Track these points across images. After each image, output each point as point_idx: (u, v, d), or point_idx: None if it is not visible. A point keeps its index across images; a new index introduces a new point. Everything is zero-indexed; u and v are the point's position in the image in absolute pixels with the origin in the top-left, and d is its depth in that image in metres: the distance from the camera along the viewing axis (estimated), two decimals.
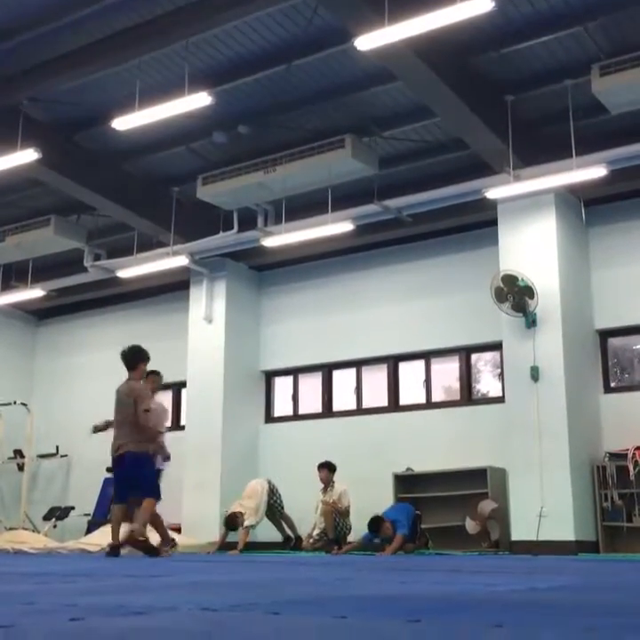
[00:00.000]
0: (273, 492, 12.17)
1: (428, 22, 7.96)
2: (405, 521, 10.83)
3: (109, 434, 10.03)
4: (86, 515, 14.76)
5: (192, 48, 9.86)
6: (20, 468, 15.99)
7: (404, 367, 13.40)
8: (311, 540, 11.84)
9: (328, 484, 11.89)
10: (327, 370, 14.02)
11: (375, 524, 10.82)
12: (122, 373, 16.16)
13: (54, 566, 6.61)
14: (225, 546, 11.89)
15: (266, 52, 10.05)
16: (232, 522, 11.78)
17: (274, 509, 12.19)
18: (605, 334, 11.74)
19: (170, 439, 14.95)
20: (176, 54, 10.04)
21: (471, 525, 10.96)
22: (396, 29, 8.13)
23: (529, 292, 10.88)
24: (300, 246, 12.69)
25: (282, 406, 14.40)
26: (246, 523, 11.71)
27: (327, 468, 11.94)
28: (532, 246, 11.30)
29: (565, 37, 9.56)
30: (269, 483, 12.21)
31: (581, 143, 10.20)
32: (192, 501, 13.33)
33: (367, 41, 8.36)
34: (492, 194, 10.95)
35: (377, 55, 9.07)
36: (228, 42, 9.92)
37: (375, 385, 13.60)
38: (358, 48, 8.59)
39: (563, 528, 10.30)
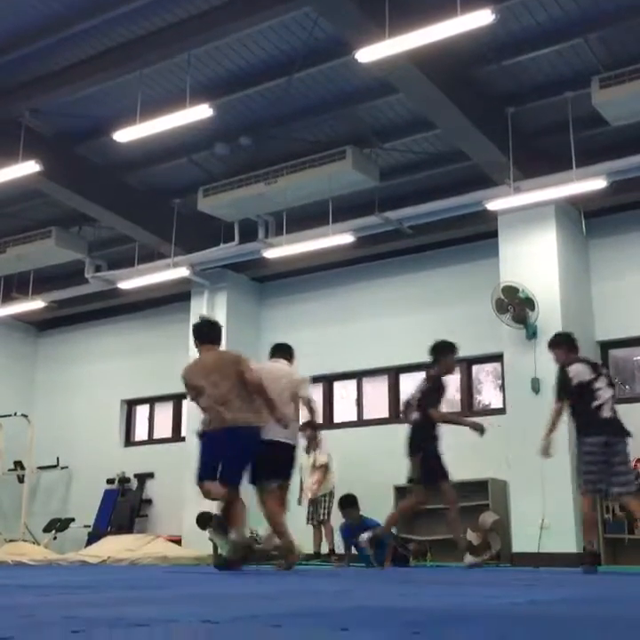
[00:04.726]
0: None
1: (429, 35, 7.98)
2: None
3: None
4: (86, 526, 14.75)
5: (193, 60, 9.90)
6: (21, 479, 15.98)
7: (405, 379, 13.38)
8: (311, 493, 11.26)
9: (312, 441, 9.51)
10: (328, 381, 14.01)
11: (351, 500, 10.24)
12: (122, 384, 16.20)
13: (54, 578, 6.59)
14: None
15: (267, 65, 10.09)
16: (206, 520, 11.35)
17: None
18: (607, 346, 11.73)
19: (171, 450, 15.05)
20: (177, 66, 10.08)
21: (472, 537, 10.92)
22: (397, 42, 8.15)
23: (530, 303, 10.88)
24: (301, 258, 12.70)
25: None
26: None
27: (311, 427, 10.04)
28: (532, 258, 11.30)
29: (566, 50, 9.60)
30: None
31: (581, 155, 10.23)
32: (193, 513, 13.28)
33: (368, 53, 8.38)
34: (493, 205, 10.96)
35: (378, 67, 9.10)
36: (230, 54, 9.96)
37: (376, 396, 13.59)
38: (359, 60, 8.61)
39: (564, 540, 10.27)
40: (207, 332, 7.97)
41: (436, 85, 9.55)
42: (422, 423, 8.21)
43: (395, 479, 12.10)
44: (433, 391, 8.24)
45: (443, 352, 8.28)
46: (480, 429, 8.24)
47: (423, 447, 8.23)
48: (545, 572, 8.21)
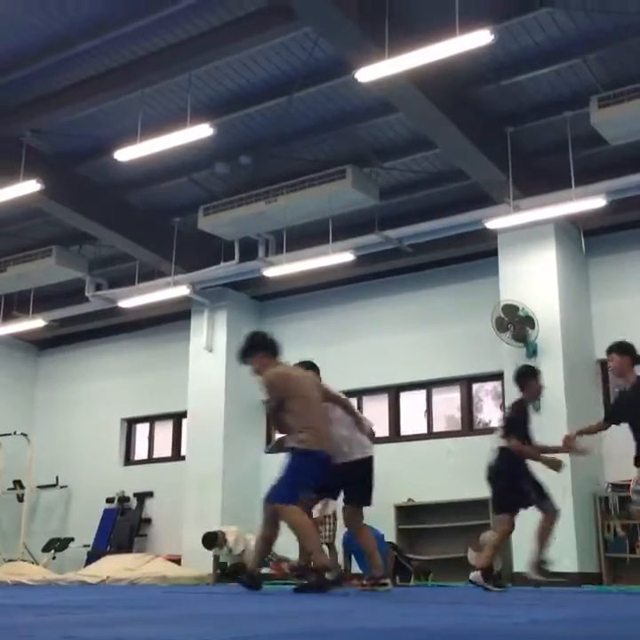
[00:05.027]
0: None
1: (429, 55, 8.03)
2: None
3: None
4: (86, 546, 14.69)
5: (194, 80, 9.95)
6: (20, 498, 15.93)
7: (405, 397, 13.38)
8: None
9: None
10: None
11: None
12: (122, 402, 16.17)
13: (53, 598, 6.56)
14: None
15: (267, 84, 10.14)
16: (211, 540, 11.49)
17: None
18: (607, 364, 11.71)
19: (171, 469, 15.01)
20: (178, 86, 10.13)
21: (473, 557, 10.88)
22: (397, 61, 8.21)
23: (530, 321, 10.89)
24: (301, 276, 12.72)
25: None
26: (237, 550, 11.55)
27: None
28: (532, 276, 11.32)
29: (564, 70, 9.65)
30: None
31: (581, 174, 10.26)
32: (193, 532, 13.25)
33: (368, 73, 8.43)
34: (493, 224, 10.99)
35: (377, 87, 9.15)
36: (230, 74, 10.01)
37: (376, 415, 13.55)
38: (359, 80, 8.65)
39: (565, 559, 10.21)
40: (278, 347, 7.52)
41: (435, 105, 9.60)
42: (506, 450, 8.11)
43: (395, 498, 12.07)
44: (517, 417, 8.23)
45: (527, 378, 8.25)
46: (556, 467, 8.21)
47: (501, 474, 8.17)
48: (546, 591, 8.18)
